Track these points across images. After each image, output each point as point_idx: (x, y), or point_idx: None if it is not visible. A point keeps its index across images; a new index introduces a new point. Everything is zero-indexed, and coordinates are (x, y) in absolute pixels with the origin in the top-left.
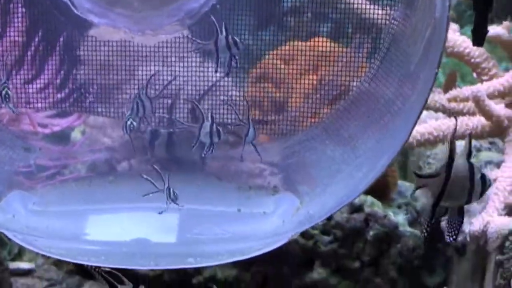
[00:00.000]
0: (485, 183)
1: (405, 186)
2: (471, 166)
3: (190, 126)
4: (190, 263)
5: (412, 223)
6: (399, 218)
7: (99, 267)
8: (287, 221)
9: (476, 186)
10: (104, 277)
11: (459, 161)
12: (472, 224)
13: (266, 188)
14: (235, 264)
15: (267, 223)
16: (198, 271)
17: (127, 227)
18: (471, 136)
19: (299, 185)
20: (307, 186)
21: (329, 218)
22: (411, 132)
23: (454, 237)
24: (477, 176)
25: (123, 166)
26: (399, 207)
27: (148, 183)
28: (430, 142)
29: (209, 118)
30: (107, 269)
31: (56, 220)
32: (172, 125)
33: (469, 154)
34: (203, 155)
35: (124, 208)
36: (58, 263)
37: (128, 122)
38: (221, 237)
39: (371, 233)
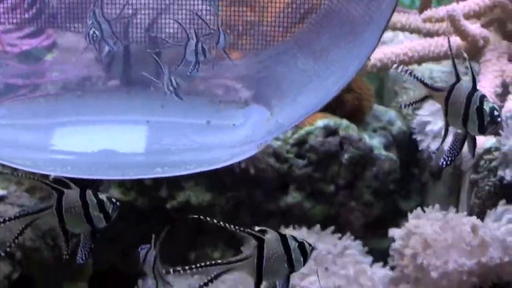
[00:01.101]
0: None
1: (381, 110)
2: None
3: (176, 44)
4: (158, 173)
5: (387, 146)
6: (374, 141)
7: (47, 177)
8: (256, 131)
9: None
10: (49, 185)
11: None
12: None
13: (237, 102)
14: (209, 189)
15: (235, 134)
16: (172, 196)
17: (95, 138)
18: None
19: (270, 98)
20: (278, 99)
21: (304, 142)
22: (379, 40)
23: (449, 162)
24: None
25: (92, 82)
26: (374, 131)
27: (116, 98)
28: (405, 62)
29: (194, 37)
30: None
31: (23, 132)
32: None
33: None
34: (188, 74)
35: (92, 121)
36: (30, 190)
37: (91, 32)
38: (189, 147)
39: (345, 156)
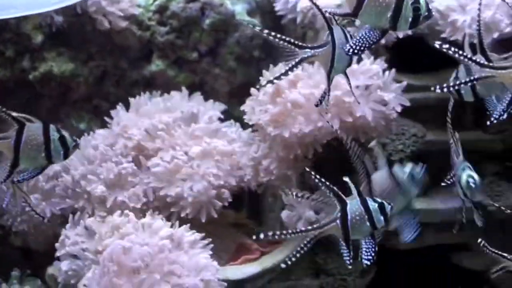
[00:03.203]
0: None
1: None
2: None
3: None
4: None
5: (250, 12)
6: (237, 7)
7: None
8: None
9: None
10: (12, 117)
11: None
12: None
13: None
14: (71, 58)
15: None
16: (33, 67)
17: None
18: None
19: None
20: None
21: (166, 8)
22: None
23: None
24: None
25: None
26: None
27: None
28: None
29: None
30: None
31: None
32: None
33: None
34: None
35: None
36: None
37: None
38: None
39: (207, 21)
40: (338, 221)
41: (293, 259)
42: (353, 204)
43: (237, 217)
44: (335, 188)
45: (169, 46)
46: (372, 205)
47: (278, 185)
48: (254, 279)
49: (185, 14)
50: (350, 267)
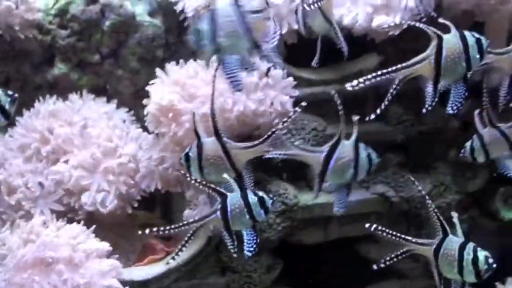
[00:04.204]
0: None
1: None
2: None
3: None
4: None
5: (152, 13)
6: (138, 8)
7: None
8: None
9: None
10: None
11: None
12: None
13: None
14: None
15: None
16: None
17: None
18: None
19: None
20: None
21: (66, 12)
22: None
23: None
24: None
25: None
26: None
27: None
28: None
29: None
30: None
31: None
32: None
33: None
34: None
35: None
36: None
37: None
38: None
39: (107, 23)
40: (218, 213)
41: (180, 253)
42: (233, 197)
43: (149, 217)
44: (211, 185)
45: (71, 49)
46: (252, 198)
47: (174, 185)
48: (160, 279)
49: (85, 16)
50: (235, 255)
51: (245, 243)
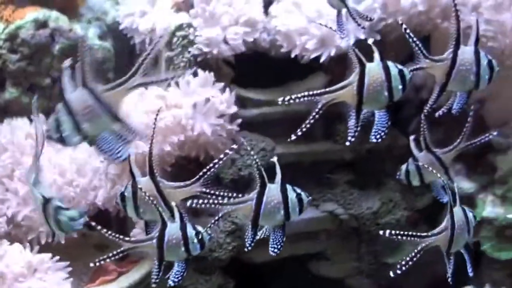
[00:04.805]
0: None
1: (94, 1)
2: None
3: None
4: None
5: (102, 36)
6: (89, 32)
7: None
8: None
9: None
10: None
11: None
12: None
13: None
14: None
15: None
16: None
17: None
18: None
19: None
20: None
21: (16, 36)
22: None
23: None
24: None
25: None
26: (89, 22)
27: None
28: None
29: None
30: None
31: None
32: None
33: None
34: None
35: None
36: None
37: None
38: None
39: (57, 47)
40: (154, 240)
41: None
42: (172, 227)
43: (104, 237)
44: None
45: (22, 74)
46: (191, 232)
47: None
48: None
49: (34, 41)
50: (154, 285)
51: (173, 273)
